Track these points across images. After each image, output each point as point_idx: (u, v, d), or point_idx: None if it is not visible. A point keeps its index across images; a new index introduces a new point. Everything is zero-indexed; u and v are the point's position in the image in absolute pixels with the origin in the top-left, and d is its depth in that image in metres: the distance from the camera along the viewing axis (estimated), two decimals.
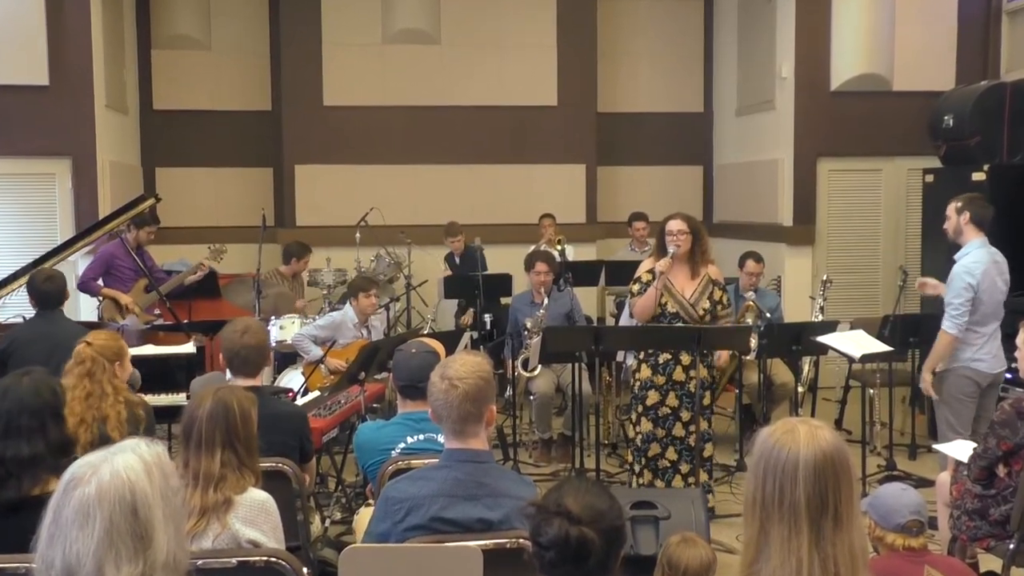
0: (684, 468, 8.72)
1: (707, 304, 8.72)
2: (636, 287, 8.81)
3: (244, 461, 4.69)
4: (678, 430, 8.71)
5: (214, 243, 11.68)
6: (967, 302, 8.46)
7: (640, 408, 8.77)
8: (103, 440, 6.10)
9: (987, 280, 8.51)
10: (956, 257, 8.70)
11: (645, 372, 8.75)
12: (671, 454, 8.72)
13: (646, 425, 8.73)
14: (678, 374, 8.70)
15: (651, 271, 8.73)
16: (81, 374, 6.20)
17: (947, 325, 8.54)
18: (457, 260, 13.37)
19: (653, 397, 8.72)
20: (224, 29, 15.36)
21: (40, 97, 12.32)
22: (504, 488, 4.41)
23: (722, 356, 10.00)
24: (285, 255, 12.80)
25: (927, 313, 11.25)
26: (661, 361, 8.72)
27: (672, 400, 8.70)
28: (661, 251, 8.72)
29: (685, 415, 8.70)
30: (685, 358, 8.69)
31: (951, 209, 8.74)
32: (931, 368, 8.70)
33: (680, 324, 8.62)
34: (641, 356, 8.78)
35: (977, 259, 8.54)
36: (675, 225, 8.64)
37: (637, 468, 8.83)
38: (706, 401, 8.75)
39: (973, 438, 8.18)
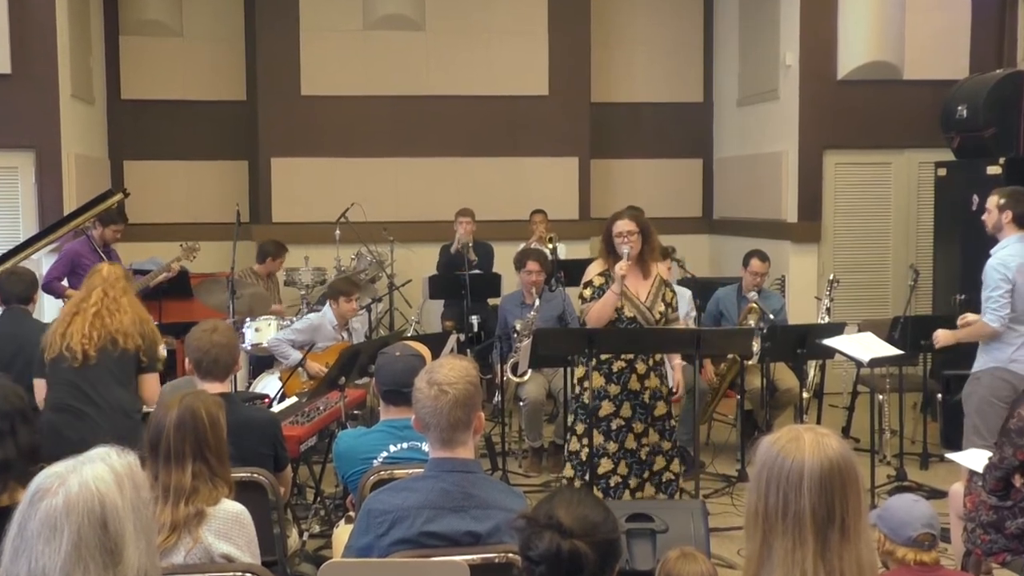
0: (633, 483, 8.71)
1: (662, 307, 8.73)
2: (588, 292, 8.73)
3: (216, 471, 4.69)
4: (630, 442, 8.69)
5: (186, 240, 11.66)
6: (1006, 293, 8.54)
7: (592, 419, 8.70)
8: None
9: (1023, 275, 8.57)
10: (992, 252, 8.76)
11: (597, 381, 8.67)
12: (622, 468, 8.69)
13: (597, 437, 8.65)
14: (633, 383, 8.69)
15: (602, 274, 8.71)
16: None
17: (989, 318, 8.62)
18: (457, 247, 13.23)
19: (607, 408, 8.68)
20: (196, 14, 15.34)
21: (1, 86, 12.26)
22: (493, 499, 4.40)
23: (706, 370, 10.09)
24: (260, 254, 12.78)
25: (939, 315, 11.29)
26: (615, 369, 8.69)
27: (626, 411, 8.69)
28: (609, 254, 8.69)
29: (638, 427, 8.69)
30: (640, 366, 8.69)
31: (992, 203, 8.82)
32: (958, 339, 8.94)
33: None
34: (592, 363, 8.75)
35: (1013, 253, 8.62)
36: (624, 226, 8.56)
37: (578, 484, 8.76)
38: (659, 412, 8.73)
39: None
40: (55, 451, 6.79)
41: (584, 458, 8.70)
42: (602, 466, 8.66)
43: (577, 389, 8.99)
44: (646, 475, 8.70)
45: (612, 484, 8.67)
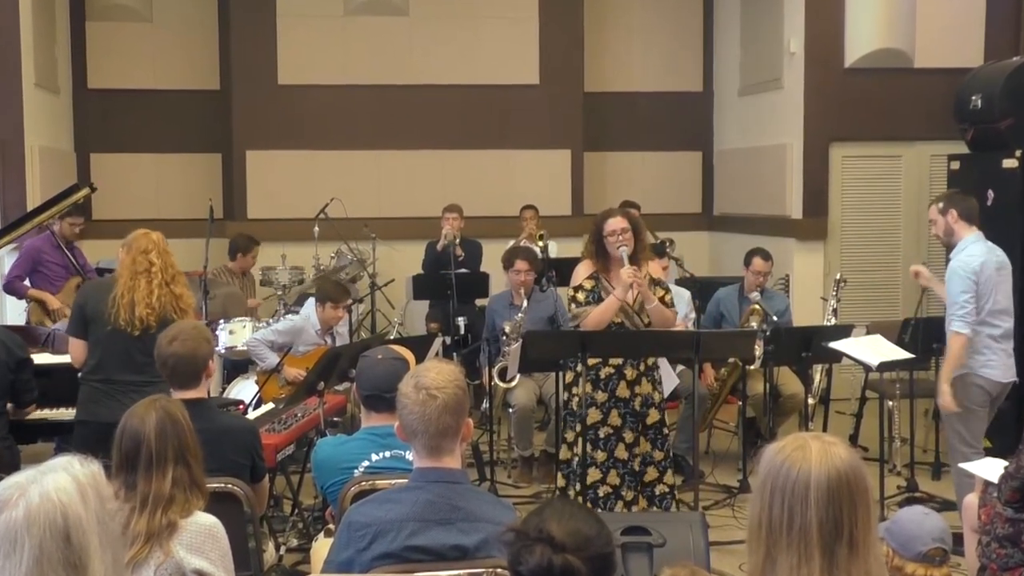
0: (627, 495, 8.71)
1: None
2: (581, 296, 8.70)
3: (195, 478, 4.71)
4: (620, 452, 8.68)
5: None
6: (972, 298, 8.60)
7: (579, 427, 8.70)
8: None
9: (986, 274, 8.66)
10: (952, 255, 8.83)
11: (585, 387, 8.72)
12: (613, 478, 8.69)
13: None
14: (621, 390, 8.68)
15: (592, 276, 8.71)
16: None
17: (957, 325, 8.66)
18: (444, 244, 13.18)
19: (594, 416, 8.67)
20: None
21: None
22: (481, 511, 4.39)
23: (707, 375, 10.10)
24: (231, 250, 12.76)
25: None
26: (603, 375, 8.68)
27: (615, 419, 8.68)
28: (599, 255, 8.68)
29: (628, 436, 8.69)
30: (629, 372, 8.68)
31: (933, 211, 8.97)
32: (949, 378, 8.78)
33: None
34: (578, 368, 8.73)
35: (974, 253, 8.74)
36: (618, 223, 8.53)
37: (572, 493, 8.79)
38: (651, 420, 8.72)
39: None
40: (99, 418, 7.09)
41: (575, 467, 8.71)
42: (591, 475, 8.67)
43: (566, 395, 9.00)
44: (640, 487, 8.71)
45: (601, 494, 8.68)
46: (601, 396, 8.67)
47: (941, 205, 8.89)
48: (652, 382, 8.76)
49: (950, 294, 8.74)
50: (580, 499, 8.62)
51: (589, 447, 8.66)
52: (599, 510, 8.52)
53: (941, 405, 8.96)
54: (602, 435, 8.67)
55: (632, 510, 8.61)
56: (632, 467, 8.68)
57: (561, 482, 9.03)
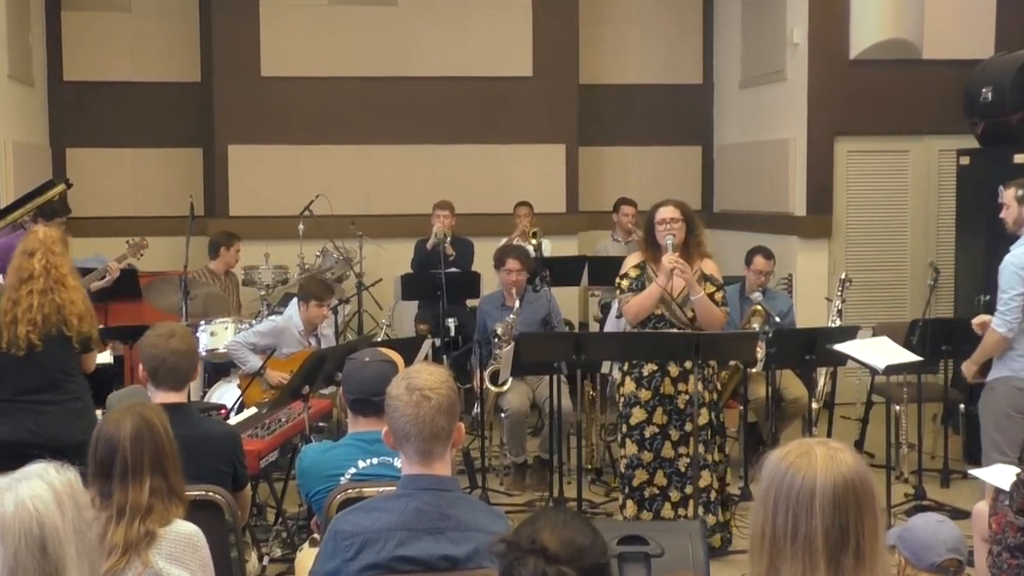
0: (674, 496, 8.75)
1: None
2: (625, 283, 8.84)
3: (174, 486, 4.69)
4: (667, 451, 8.74)
5: (133, 236, 11.61)
6: (1018, 296, 8.53)
7: (625, 428, 8.81)
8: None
9: None
10: (1012, 247, 8.76)
11: (629, 386, 8.79)
12: (660, 479, 8.75)
13: (631, 447, 8.76)
14: (666, 387, 8.73)
15: (639, 265, 8.80)
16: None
17: (996, 322, 8.65)
18: (434, 242, 13.14)
19: (638, 415, 8.74)
20: None
21: None
22: (472, 520, 4.38)
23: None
24: (211, 249, 12.66)
25: (962, 317, 11.26)
26: (646, 373, 8.75)
27: (659, 417, 8.73)
28: (650, 244, 8.76)
29: (674, 434, 8.73)
30: (673, 369, 8.72)
31: (1010, 196, 8.81)
32: (978, 361, 8.93)
33: (666, 328, 8.71)
34: (625, 367, 8.78)
35: None
36: (667, 212, 8.66)
37: (621, 498, 8.88)
38: (702, 420, 8.70)
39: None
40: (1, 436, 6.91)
41: (623, 469, 8.86)
42: (637, 477, 8.77)
43: (615, 394, 9.11)
44: (688, 490, 8.71)
45: (648, 496, 8.76)
46: (645, 394, 8.75)
47: (1021, 193, 8.79)
48: (702, 380, 8.76)
49: (999, 288, 8.73)
50: (628, 503, 8.84)
51: (635, 448, 8.76)
52: (646, 512, 8.74)
53: (964, 369, 9.17)
54: (647, 434, 8.75)
55: (680, 512, 8.70)
56: (678, 467, 8.73)
57: (614, 483, 9.22)
